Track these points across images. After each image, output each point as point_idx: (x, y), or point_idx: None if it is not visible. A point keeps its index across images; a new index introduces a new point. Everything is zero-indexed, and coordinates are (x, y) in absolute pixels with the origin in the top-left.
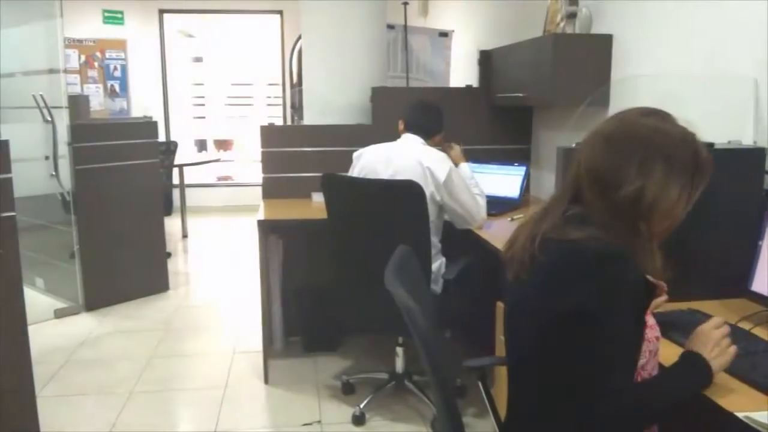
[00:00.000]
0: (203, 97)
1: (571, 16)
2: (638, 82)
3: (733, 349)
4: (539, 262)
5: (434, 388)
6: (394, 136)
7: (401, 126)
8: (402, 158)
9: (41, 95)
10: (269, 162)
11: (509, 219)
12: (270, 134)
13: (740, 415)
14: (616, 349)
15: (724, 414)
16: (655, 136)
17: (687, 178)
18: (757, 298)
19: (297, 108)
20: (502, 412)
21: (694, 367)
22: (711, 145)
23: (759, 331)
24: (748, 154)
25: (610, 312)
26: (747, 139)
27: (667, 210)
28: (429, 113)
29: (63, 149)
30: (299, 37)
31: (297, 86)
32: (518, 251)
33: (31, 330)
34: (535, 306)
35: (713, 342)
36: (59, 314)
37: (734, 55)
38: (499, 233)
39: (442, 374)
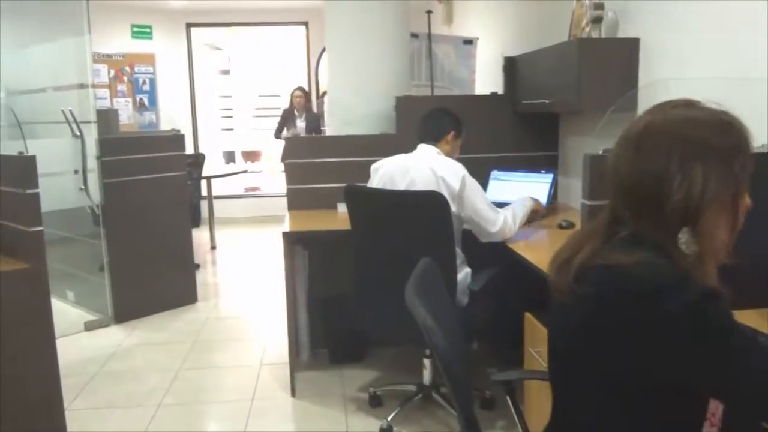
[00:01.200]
0: (231, 109)
1: (597, 21)
2: (667, 86)
3: None
4: (582, 295)
5: (456, 407)
6: (417, 145)
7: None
8: (416, 168)
9: (70, 110)
10: (293, 173)
11: (561, 223)
12: (294, 146)
13: None
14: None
15: None
16: (687, 128)
17: (727, 163)
18: None
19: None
20: (532, 426)
21: None
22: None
23: None
24: None
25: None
26: None
27: (719, 208)
28: (434, 118)
29: (92, 163)
30: (324, 49)
31: (323, 97)
32: (557, 275)
33: (62, 342)
34: (601, 359)
35: None
36: (89, 326)
37: (763, 57)
38: (527, 242)
39: (462, 394)
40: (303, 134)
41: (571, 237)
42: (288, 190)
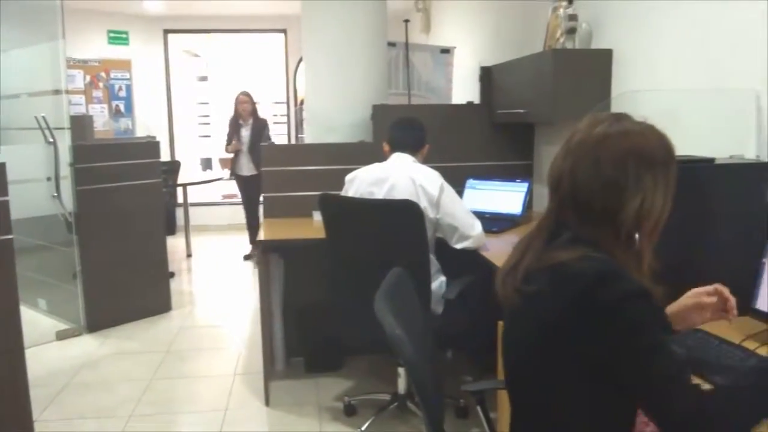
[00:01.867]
0: (208, 115)
1: (571, 32)
2: (638, 97)
3: None
4: (531, 294)
5: (423, 415)
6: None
7: (386, 147)
8: (394, 177)
9: (43, 116)
10: (270, 181)
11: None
12: (271, 153)
13: None
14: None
15: None
16: (639, 141)
17: (665, 172)
18: (762, 316)
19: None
20: None
21: None
22: (712, 160)
23: (764, 351)
24: (751, 168)
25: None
26: (749, 153)
27: (658, 213)
28: (412, 129)
29: (65, 170)
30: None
31: (302, 105)
32: (503, 284)
33: (32, 352)
34: (556, 348)
35: None
36: (61, 336)
37: (735, 68)
38: (500, 251)
39: (430, 403)
40: (245, 146)
41: (515, 247)
42: (264, 198)
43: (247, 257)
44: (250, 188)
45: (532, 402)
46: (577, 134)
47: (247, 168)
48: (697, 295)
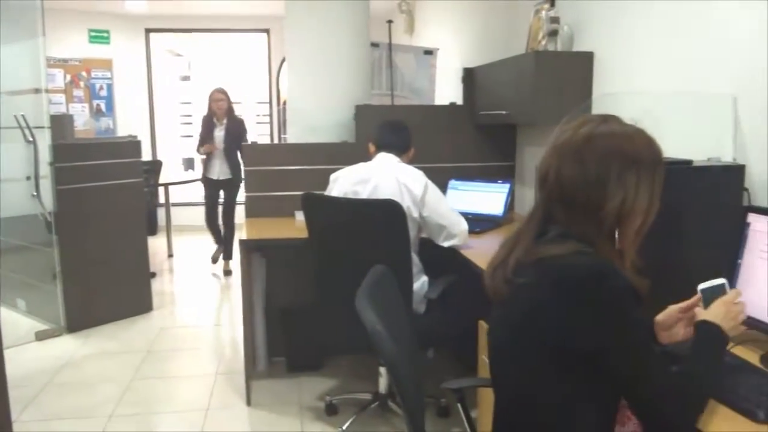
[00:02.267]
0: (191, 115)
1: (553, 34)
2: (618, 100)
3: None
4: (521, 284)
5: (403, 412)
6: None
7: (372, 148)
8: (379, 177)
9: (23, 115)
10: (252, 181)
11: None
12: (253, 153)
13: None
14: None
15: None
16: (624, 142)
17: (652, 174)
18: None
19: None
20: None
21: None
22: (689, 162)
23: (738, 351)
24: (728, 171)
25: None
26: (726, 156)
27: (641, 212)
28: (399, 132)
29: (45, 169)
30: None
31: (285, 105)
32: (492, 277)
33: (12, 353)
34: (544, 338)
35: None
36: (41, 336)
37: (713, 72)
38: (482, 251)
39: (410, 400)
40: (221, 147)
41: (504, 241)
42: (246, 197)
43: (214, 259)
44: (216, 193)
45: (516, 394)
46: (564, 133)
47: (219, 171)
48: (671, 312)
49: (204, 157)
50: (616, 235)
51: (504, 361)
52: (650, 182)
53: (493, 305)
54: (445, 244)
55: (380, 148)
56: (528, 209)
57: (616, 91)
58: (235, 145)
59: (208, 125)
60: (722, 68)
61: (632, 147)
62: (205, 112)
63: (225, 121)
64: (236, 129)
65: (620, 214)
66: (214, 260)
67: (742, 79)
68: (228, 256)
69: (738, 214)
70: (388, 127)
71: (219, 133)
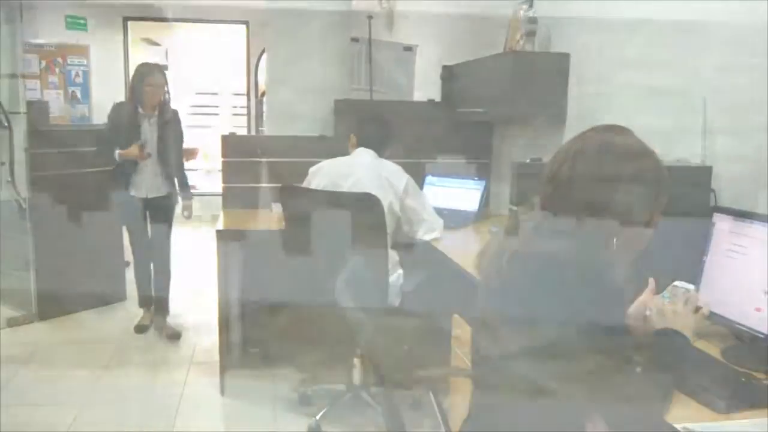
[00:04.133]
0: None
1: (531, 35)
2: (593, 100)
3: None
4: (514, 276)
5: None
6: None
7: (353, 140)
8: (360, 171)
9: None
10: (231, 172)
11: (491, 229)
12: (232, 144)
13: (679, 426)
14: None
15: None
16: (637, 157)
17: (653, 194)
18: None
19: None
20: (454, 424)
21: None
22: None
23: (701, 345)
24: (695, 172)
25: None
26: (695, 158)
27: (639, 226)
28: (383, 129)
29: (20, 155)
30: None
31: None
32: (486, 264)
33: None
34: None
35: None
36: (12, 323)
37: (684, 75)
38: (457, 246)
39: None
40: (149, 149)
41: (496, 231)
42: (224, 188)
43: (141, 329)
44: (144, 221)
45: (502, 383)
46: (583, 138)
47: (150, 185)
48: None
49: (120, 164)
50: (614, 240)
51: (491, 351)
52: (651, 201)
53: (481, 294)
54: (426, 237)
55: (361, 142)
56: (526, 204)
57: (591, 92)
58: (176, 146)
59: (132, 118)
60: (693, 71)
61: (644, 161)
62: (121, 98)
63: (156, 113)
64: (174, 125)
65: (622, 221)
66: (141, 329)
67: (711, 81)
68: (164, 311)
69: (705, 213)
70: (373, 123)
71: (149, 128)
